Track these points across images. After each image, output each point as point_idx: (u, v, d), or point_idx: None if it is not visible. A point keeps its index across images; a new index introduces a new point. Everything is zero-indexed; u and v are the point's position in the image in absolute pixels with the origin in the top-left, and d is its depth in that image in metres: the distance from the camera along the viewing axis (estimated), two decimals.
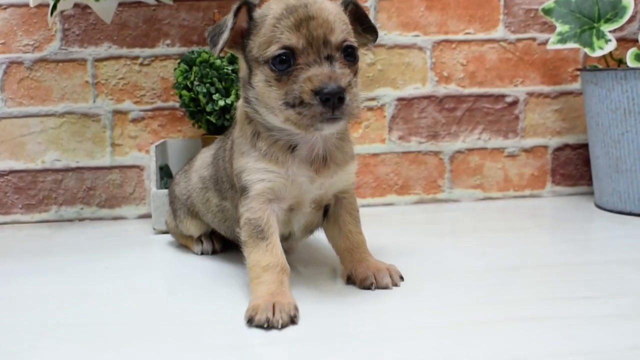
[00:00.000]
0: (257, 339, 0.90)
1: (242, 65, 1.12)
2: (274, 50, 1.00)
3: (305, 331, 0.92)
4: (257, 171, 1.08)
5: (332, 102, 0.95)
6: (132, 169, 1.81)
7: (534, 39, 1.88)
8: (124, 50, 1.79)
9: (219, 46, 1.04)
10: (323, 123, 0.97)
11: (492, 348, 0.84)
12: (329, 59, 0.99)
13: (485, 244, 1.40)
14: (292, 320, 0.94)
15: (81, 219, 1.81)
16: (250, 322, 0.94)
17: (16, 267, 1.34)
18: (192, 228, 1.38)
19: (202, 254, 1.39)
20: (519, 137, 1.90)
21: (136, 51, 1.79)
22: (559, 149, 1.91)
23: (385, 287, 1.09)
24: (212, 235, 1.41)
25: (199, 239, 1.40)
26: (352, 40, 1.03)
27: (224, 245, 1.40)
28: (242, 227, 1.08)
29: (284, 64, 1.00)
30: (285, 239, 1.20)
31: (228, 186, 1.20)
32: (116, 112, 1.80)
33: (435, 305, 1.01)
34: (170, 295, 1.11)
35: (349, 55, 1.02)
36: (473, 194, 1.90)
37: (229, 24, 1.04)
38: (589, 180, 1.90)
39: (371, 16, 1.83)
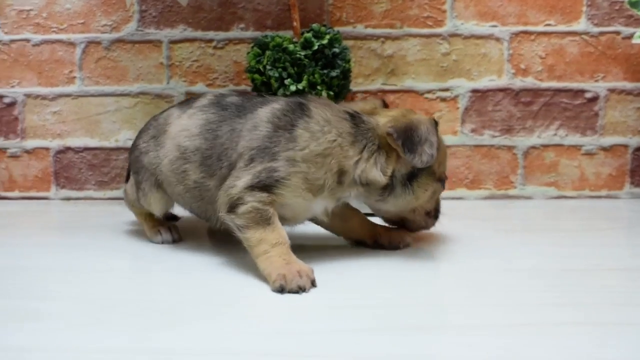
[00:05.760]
0: (323, 317, 0.89)
1: (402, 158, 1.17)
2: (442, 175, 1.26)
3: (363, 321, 0.90)
4: (292, 186, 1.12)
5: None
6: None
7: (618, 33, 1.80)
8: (199, 33, 1.81)
9: (426, 161, 1.14)
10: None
11: (559, 352, 0.80)
12: None
13: (556, 243, 1.35)
14: (313, 284, 1.05)
15: None
16: (281, 290, 1.02)
17: (86, 242, 1.38)
18: (155, 204, 1.33)
19: (162, 243, 1.37)
20: (597, 135, 1.83)
21: (210, 34, 1.81)
22: (639, 148, 1.83)
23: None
24: (169, 223, 1.42)
25: (158, 230, 1.38)
26: None
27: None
28: (243, 213, 1.10)
29: None
30: (316, 221, 1.31)
31: (225, 164, 1.18)
32: (189, 94, 1.82)
33: (499, 303, 0.98)
34: (233, 274, 1.12)
35: None
36: (546, 192, 1.84)
37: (434, 141, 1.15)
38: None
39: (448, 5, 1.79)
